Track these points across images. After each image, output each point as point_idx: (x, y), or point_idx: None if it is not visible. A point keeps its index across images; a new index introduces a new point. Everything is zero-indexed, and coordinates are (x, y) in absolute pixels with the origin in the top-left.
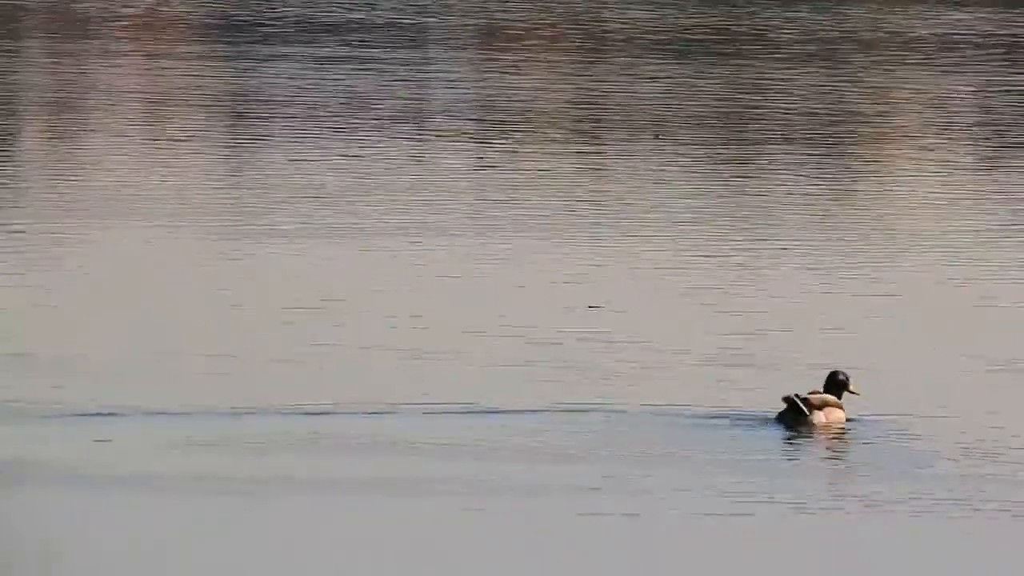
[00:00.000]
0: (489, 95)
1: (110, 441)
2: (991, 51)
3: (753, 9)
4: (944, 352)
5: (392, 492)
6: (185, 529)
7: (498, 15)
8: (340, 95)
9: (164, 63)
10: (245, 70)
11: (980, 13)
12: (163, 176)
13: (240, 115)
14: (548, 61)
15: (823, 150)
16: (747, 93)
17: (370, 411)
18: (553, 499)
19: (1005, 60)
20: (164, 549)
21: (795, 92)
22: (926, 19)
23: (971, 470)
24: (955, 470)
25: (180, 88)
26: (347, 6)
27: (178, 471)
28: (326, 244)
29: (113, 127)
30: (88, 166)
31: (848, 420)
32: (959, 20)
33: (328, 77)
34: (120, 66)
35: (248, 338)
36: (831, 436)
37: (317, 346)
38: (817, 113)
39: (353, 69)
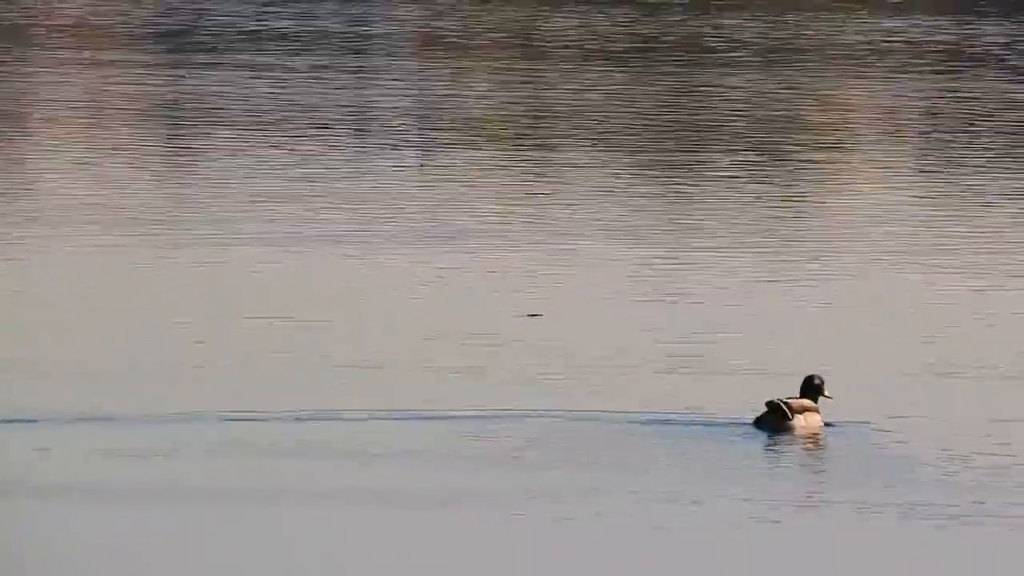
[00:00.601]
0: (430, 103)
1: (49, 449)
2: (930, 57)
3: (693, 17)
4: (899, 355)
5: (345, 499)
6: (128, 539)
7: (438, 24)
8: (280, 104)
9: (101, 72)
10: (183, 79)
11: (917, 20)
12: (99, 186)
13: (178, 124)
14: (489, 69)
15: (765, 156)
16: (688, 100)
17: (321, 418)
18: (525, 506)
19: (945, 66)
20: (107, 558)
21: (736, 98)
22: (865, 26)
23: (947, 474)
24: (932, 475)
25: (117, 97)
26: (287, 15)
27: (120, 479)
28: (267, 252)
29: (48, 137)
30: (24, 176)
31: (825, 424)
32: (897, 27)
33: (268, 86)
34: (56, 75)
35: (188, 346)
36: (810, 440)
37: (260, 354)
38: (759, 119)
39: (293, 78)
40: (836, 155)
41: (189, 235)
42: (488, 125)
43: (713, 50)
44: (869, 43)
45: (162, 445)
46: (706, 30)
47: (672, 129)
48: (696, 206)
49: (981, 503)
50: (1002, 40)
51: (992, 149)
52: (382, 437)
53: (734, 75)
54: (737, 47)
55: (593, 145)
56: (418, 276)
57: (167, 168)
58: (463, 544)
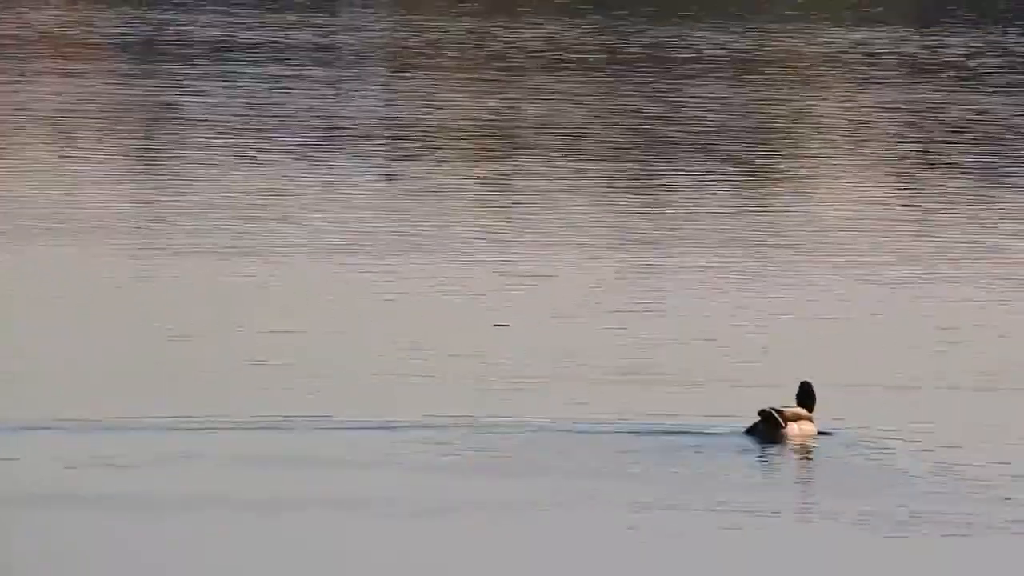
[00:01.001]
0: (399, 115)
1: (17, 460)
2: (896, 68)
3: (661, 28)
4: (878, 364)
5: (315, 508)
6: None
7: (407, 35)
8: (248, 115)
9: (70, 82)
10: (157, 89)
11: (883, 31)
12: (73, 194)
13: (152, 134)
14: (458, 80)
15: (734, 165)
16: (658, 110)
17: (283, 427)
18: (512, 515)
19: (910, 77)
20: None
21: (706, 109)
22: (832, 37)
23: (939, 483)
24: (926, 485)
25: (84, 107)
26: (260, 27)
27: (85, 488)
28: (236, 261)
29: (23, 145)
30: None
31: (819, 433)
32: (863, 38)
33: (236, 97)
34: (31, 85)
35: (153, 354)
36: (803, 449)
37: (219, 362)
38: (728, 129)
39: (265, 89)
40: (805, 164)
41: (156, 244)
42: (457, 136)
43: (682, 61)
44: (836, 54)
45: (123, 452)
46: (674, 41)
47: (642, 139)
48: (666, 216)
49: (973, 513)
50: (965, 51)
51: (959, 157)
52: (355, 446)
53: (703, 85)
54: (706, 58)
55: (563, 155)
56: (385, 286)
57: (134, 178)
58: (453, 553)
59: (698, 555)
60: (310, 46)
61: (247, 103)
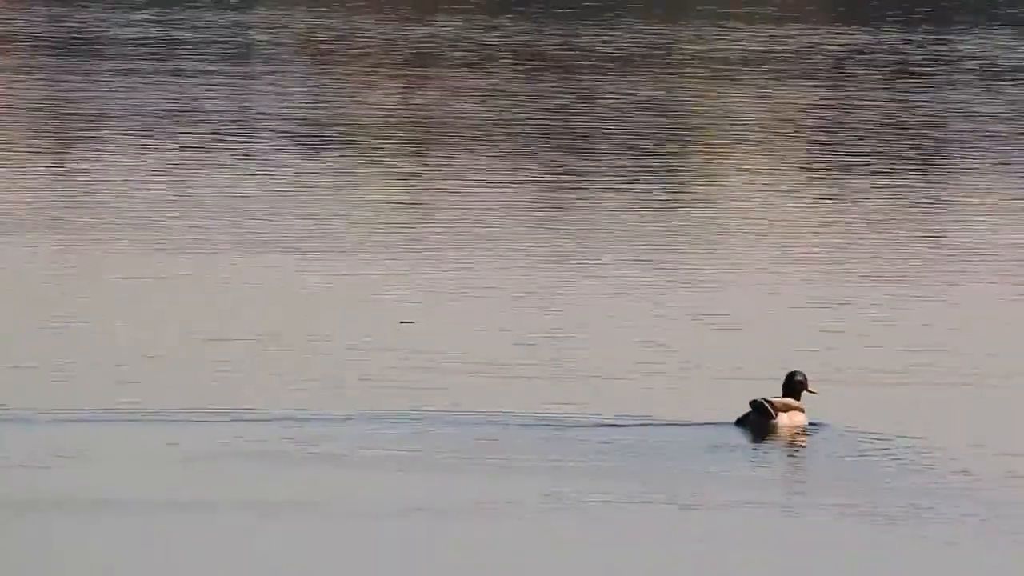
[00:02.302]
0: (313, 110)
1: None
2: (812, 65)
3: (578, 25)
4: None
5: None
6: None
7: (324, 31)
8: (163, 110)
9: None
10: (73, 86)
11: (799, 29)
12: None
13: (68, 130)
14: (372, 76)
15: (650, 162)
16: (573, 107)
17: (173, 420)
18: (496, 513)
19: (825, 74)
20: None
21: (622, 105)
22: (748, 35)
23: (929, 476)
24: (917, 479)
25: (6, 104)
26: (174, 23)
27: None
28: (151, 258)
29: None
30: None
31: (811, 424)
32: (779, 35)
33: (150, 92)
34: None
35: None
36: (793, 439)
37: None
38: (644, 126)
39: (181, 84)
40: (721, 161)
41: (79, 239)
42: (376, 132)
43: (602, 58)
44: (752, 51)
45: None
46: (595, 38)
47: (557, 136)
48: (581, 212)
49: (962, 507)
50: (880, 48)
51: (874, 154)
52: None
53: (623, 83)
54: (627, 55)
55: (482, 152)
56: (294, 282)
57: (48, 174)
58: (425, 553)
59: (684, 548)
60: (226, 41)
61: (161, 98)
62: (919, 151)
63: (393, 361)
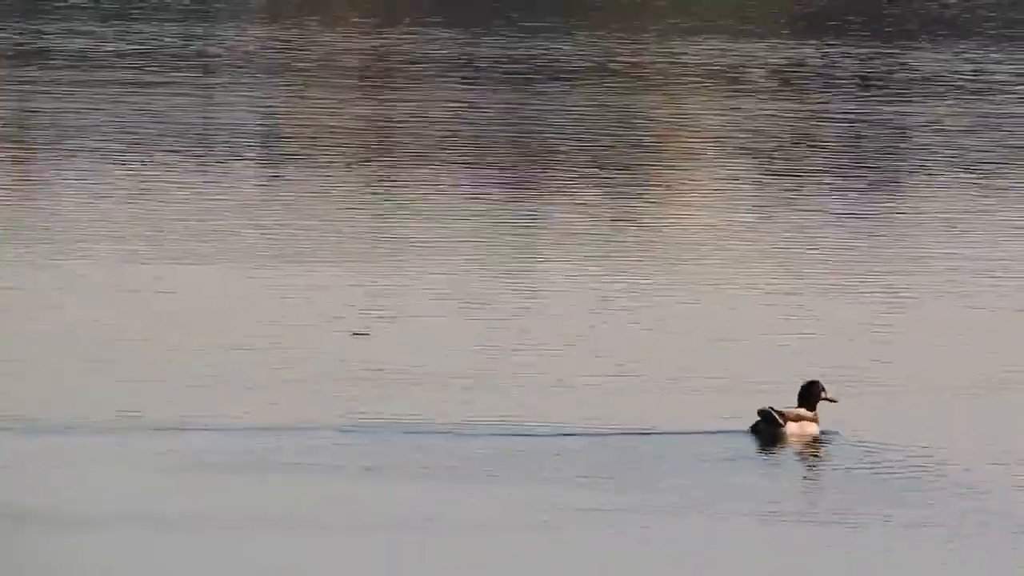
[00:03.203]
0: (273, 122)
1: None
2: (779, 78)
3: (532, 37)
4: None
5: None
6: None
7: (285, 44)
8: (121, 122)
9: None
10: (29, 97)
11: (761, 42)
12: None
13: (24, 142)
14: (331, 88)
15: (605, 174)
16: (529, 119)
17: (122, 430)
18: (507, 523)
19: (794, 87)
20: None
21: (577, 117)
22: (701, 48)
23: (940, 487)
24: (926, 488)
25: None
26: (132, 36)
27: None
28: (110, 269)
29: None
30: None
31: (823, 433)
32: (730, 49)
33: (108, 104)
34: None
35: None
36: (803, 449)
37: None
38: (599, 138)
39: (135, 96)
40: (683, 173)
41: (29, 253)
42: (330, 144)
43: (555, 70)
44: (714, 64)
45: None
46: (553, 51)
47: (518, 148)
48: (542, 224)
49: (965, 516)
50: (840, 61)
51: (823, 165)
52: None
53: (576, 94)
54: (585, 67)
55: (439, 164)
56: (246, 293)
57: (3, 185)
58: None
59: (692, 557)
60: (184, 53)
61: (119, 110)
62: (879, 163)
63: (344, 372)
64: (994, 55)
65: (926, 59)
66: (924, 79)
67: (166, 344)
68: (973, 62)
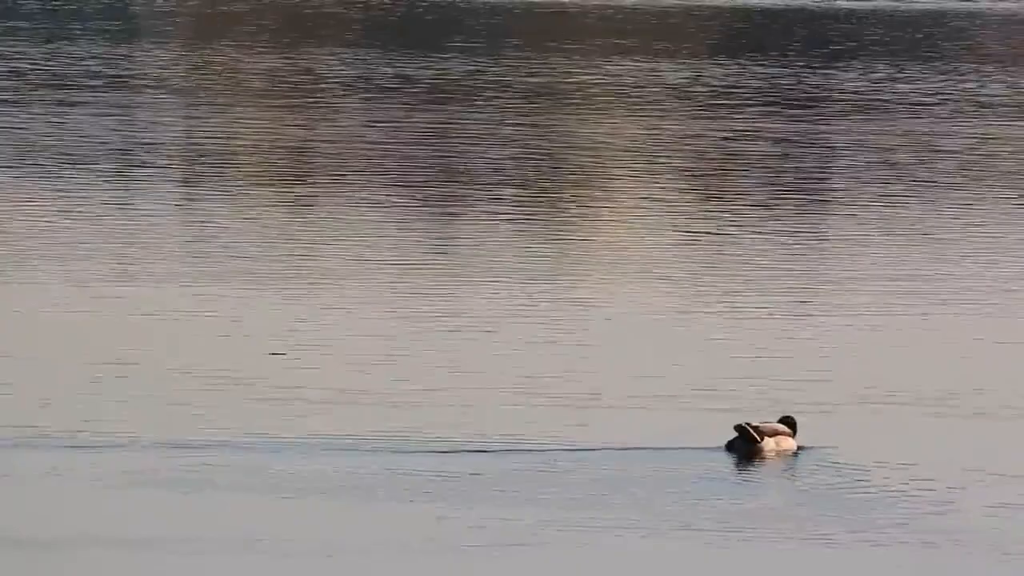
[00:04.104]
0: (194, 142)
1: None
2: (700, 97)
3: (459, 58)
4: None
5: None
6: None
7: (202, 64)
8: (42, 141)
9: None
10: None
11: (683, 62)
12: None
13: None
14: (255, 108)
15: (530, 193)
16: (454, 140)
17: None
18: (475, 543)
19: (714, 106)
20: None
21: (505, 136)
22: (624, 68)
23: (917, 502)
24: (903, 503)
25: None
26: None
27: None
28: (23, 286)
29: None
30: None
31: (799, 449)
32: (658, 70)
33: (25, 122)
34: None
35: None
36: (780, 464)
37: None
38: (524, 157)
39: (53, 115)
40: (604, 191)
41: None
42: (253, 164)
43: (482, 88)
44: (635, 83)
45: None
46: (475, 70)
47: (436, 167)
48: (462, 242)
49: (941, 533)
50: (762, 80)
51: (747, 183)
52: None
53: (502, 113)
54: (506, 86)
55: (357, 183)
56: (172, 314)
57: None
58: None
59: (666, 574)
60: (102, 72)
61: (38, 129)
62: (801, 180)
63: (259, 392)
64: (926, 75)
65: (850, 79)
66: (849, 98)
67: (70, 362)
68: (897, 81)
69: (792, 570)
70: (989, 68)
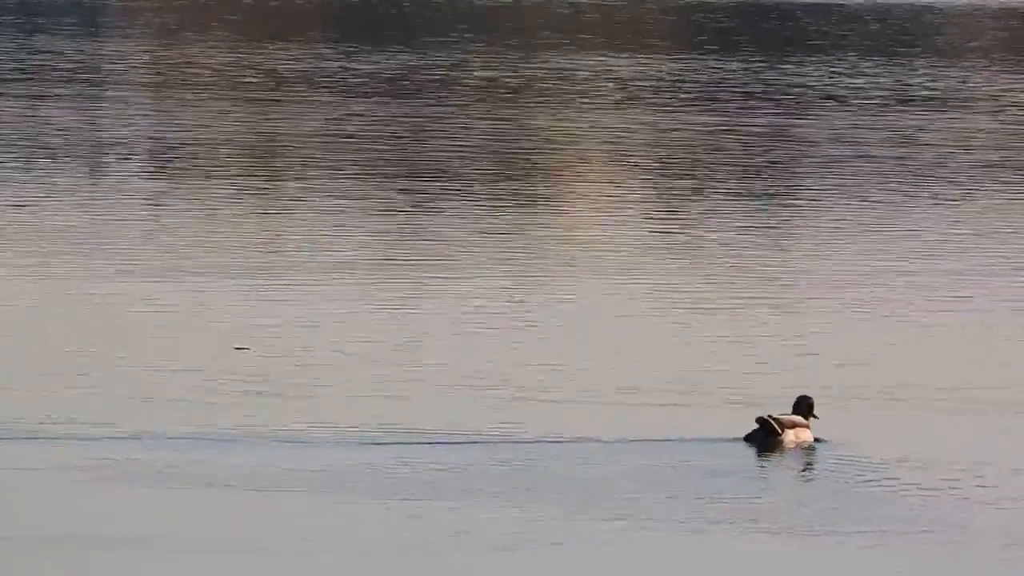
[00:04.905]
0: (162, 137)
1: None
2: (668, 92)
3: (427, 53)
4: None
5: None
6: None
7: (174, 56)
8: (10, 136)
9: None
10: None
11: (651, 57)
12: None
13: None
14: (222, 103)
15: (499, 188)
16: (426, 133)
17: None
18: (507, 534)
19: (683, 100)
20: None
21: (475, 131)
22: (592, 63)
23: (932, 495)
24: (919, 496)
25: None
26: (22, 50)
27: None
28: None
29: None
30: None
31: (816, 440)
32: (622, 65)
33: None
34: None
35: None
36: (800, 456)
37: None
38: (492, 152)
39: (16, 108)
40: (573, 187)
41: None
42: (220, 159)
43: (451, 84)
44: (603, 79)
45: None
46: (444, 65)
47: (406, 163)
48: (432, 238)
49: (955, 527)
50: (724, 76)
51: (716, 178)
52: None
53: (471, 109)
54: (475, 81)
55: (329, 178)
56: (136, 309)
57: None
58: None
59: (685, 566)
60: (68, 67)
61: (5, 124)
62: (766, 173)
63: (225, 385)
64: (903, 69)
65: (820, 73)
66: (819, 93)
67: (45, 356)
68: (871, 76)
69: (808, 562)
70: (967, 63)
